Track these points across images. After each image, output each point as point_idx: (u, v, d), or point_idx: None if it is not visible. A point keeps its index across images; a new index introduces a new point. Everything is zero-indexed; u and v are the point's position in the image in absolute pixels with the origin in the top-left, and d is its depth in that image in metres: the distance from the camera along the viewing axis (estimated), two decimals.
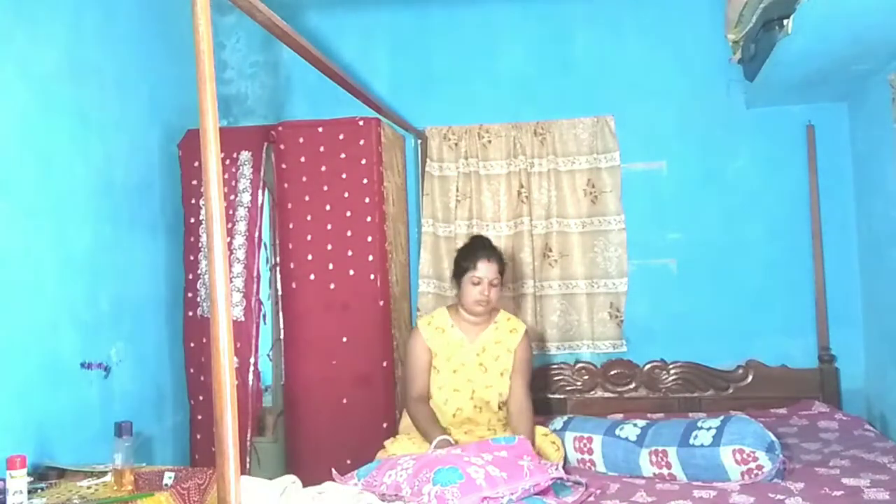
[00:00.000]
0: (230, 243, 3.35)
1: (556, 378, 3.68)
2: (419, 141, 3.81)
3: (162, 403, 3.28)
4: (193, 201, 3.44)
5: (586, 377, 3.67)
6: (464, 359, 2.85)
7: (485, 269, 2.77)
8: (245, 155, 3.42)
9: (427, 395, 2.85)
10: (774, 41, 2.76)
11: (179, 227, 3.46)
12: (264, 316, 3.47)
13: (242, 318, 3.32)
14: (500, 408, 2.83)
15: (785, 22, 2.59)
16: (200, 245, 3.40)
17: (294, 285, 3.35)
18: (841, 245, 3.52)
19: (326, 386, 3.28)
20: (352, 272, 3.30)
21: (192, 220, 3.43)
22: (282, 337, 3.46)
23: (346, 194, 3.32)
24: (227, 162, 3.36)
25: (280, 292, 3.48)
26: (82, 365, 2.71)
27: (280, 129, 3.42)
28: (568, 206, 3.68)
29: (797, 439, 3.04)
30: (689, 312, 3.62)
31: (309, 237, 3.33)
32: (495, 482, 2.11)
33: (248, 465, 3.32)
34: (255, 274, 3.36)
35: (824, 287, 3.49)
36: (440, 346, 2.86)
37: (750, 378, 3.53)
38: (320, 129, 3.36)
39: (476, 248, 2.83)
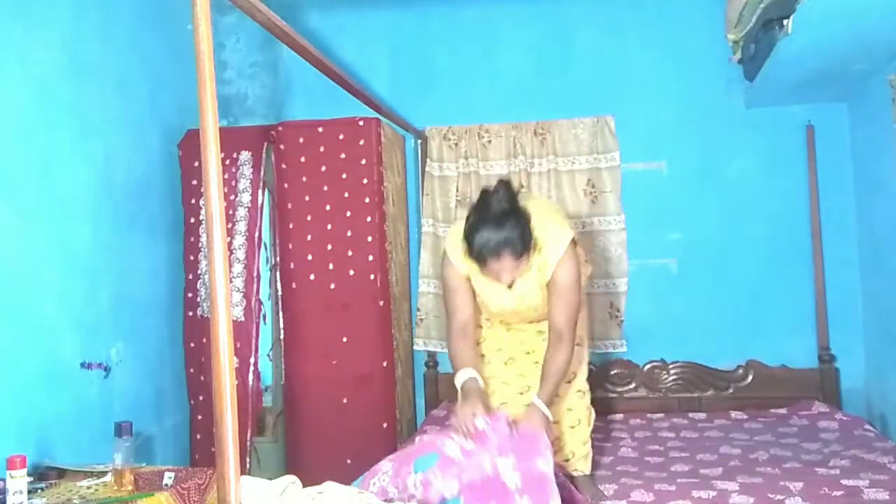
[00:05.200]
0: (230, 243, 3.35)
1: None
2: (419, 141, 3.80)
3: (162, 403, 3.28)
4: (193, 201, 3.44)
5: None
6: (505, 304, 2.50)
7: (497, 267, 2.27)
8: (245, 155, 3.42)
9: (471, 323, 2.51)
10: (774, 41, 2.76)
11: (179, 227, 3.46)
12: (264, 316, 3.47)
13: (242, 318, 3.32)
14: None
15: (785, 22, 2.59)
16: (200, 245, 3.40)
17: (294, 285, 3.35)
18: (841, 245, 3.52)
19: (326, 386, 3.28)
20: (352, 272, 3.30)
21: (192, 220, 3.43)
22: (282, 337, 3.46)
23: (346, 194, 3.32)
24: (227, 162, 3.36)
25: (280, 292, 3.48)
26: (82, 365, 2.71)
27: (280, 129, 3.42)
28: (568, 206, 3.68)
29: (797, 439, 3.04)
30: (689, 312, 3.62)
31: (309, 237, 3.33)
32: (470, 453, 2.13)
33: (248, 465, 3.32)
34: (255, 274, 3.36)
35: (824, 287, 3.49)
36: (477, 279, 2.47)
37: (750, 378, 3.53)
38: (320, 129, 3.36)
39: (479, 248, 2.24)
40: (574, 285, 2.40)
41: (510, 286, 2.40)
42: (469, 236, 2.28)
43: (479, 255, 2.26)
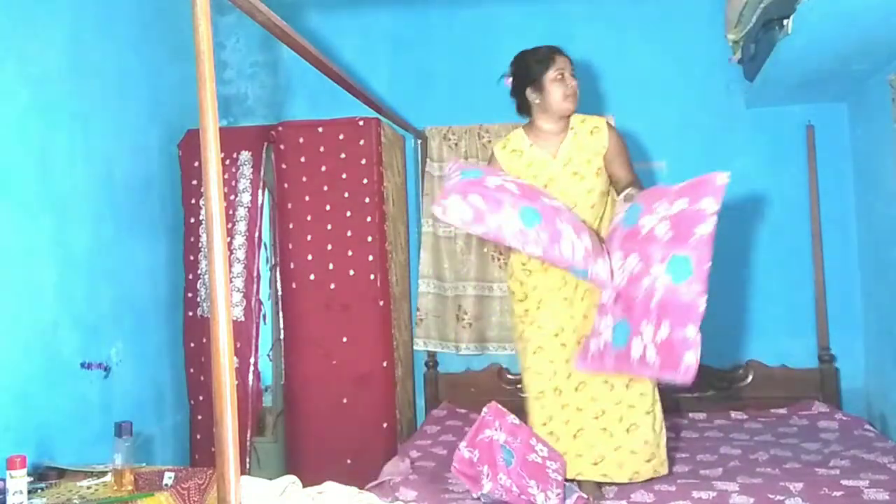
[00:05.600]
0: (230, 243, 3.35)
1: None
2: (419, 141, 3.80)
3: (162, 403, 3.28)
4: (193, 201, 3.44)
5: None
6: (551, 174, 2.64)
7: (563, 61, 2.61)
8: (245, 155, 3.42)
9: None
10: (774, 41, 2.76)
11: (179, 227, 3.46)
12: (264, 316, 3.47)
13: (242, 318, 3.32)
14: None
15: (785, 22, 2.59)
16: (200, 245, 3.40)
17: (294, 285, 3.35)
18: (841, 245, 3.52)
19: (326, 386, 3.28)
20: (352, 272, 3.30)
21: (192, 220, 3.43)
22: (282, 337, 3.46)
23: (346, 194, 3.32)
24: (227, 162, 3.37)
25: (280, 292, 3.48)
26: (82, 365, 2.71)
27: (280, 129, 3.42)
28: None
29: (797, 439, 3.04)
30: None
31: (309, 237, 3.33)
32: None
33: (248, 465, 3.32)
34: (255, 274, 3.36)
35: (824, 287, 3.49)
36: (522, 169, 2.66)
37: (750, 378, 3.53)
38: (320, 129, 3.36)
39: (545, 48, 2.64)
40: (626, 147, 2.70)
41: (555, 155, 2.64)
42: (528, 54, 2.65)
43: (548, 52, 2.61)
